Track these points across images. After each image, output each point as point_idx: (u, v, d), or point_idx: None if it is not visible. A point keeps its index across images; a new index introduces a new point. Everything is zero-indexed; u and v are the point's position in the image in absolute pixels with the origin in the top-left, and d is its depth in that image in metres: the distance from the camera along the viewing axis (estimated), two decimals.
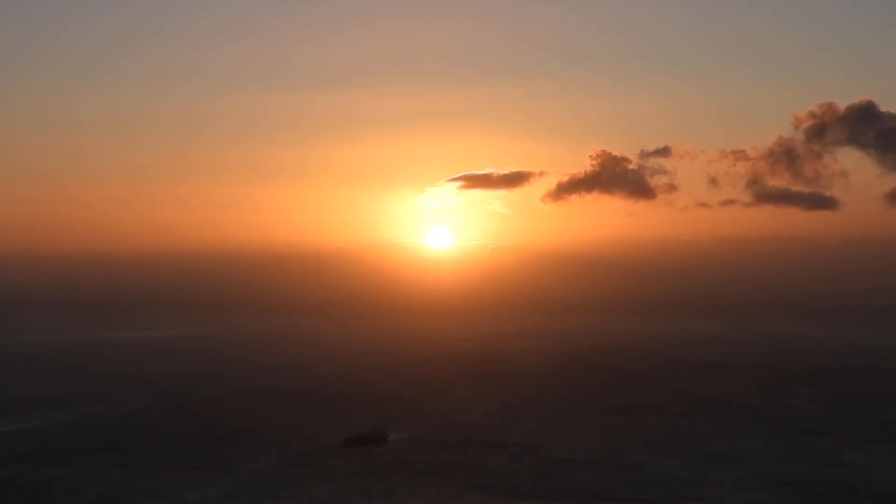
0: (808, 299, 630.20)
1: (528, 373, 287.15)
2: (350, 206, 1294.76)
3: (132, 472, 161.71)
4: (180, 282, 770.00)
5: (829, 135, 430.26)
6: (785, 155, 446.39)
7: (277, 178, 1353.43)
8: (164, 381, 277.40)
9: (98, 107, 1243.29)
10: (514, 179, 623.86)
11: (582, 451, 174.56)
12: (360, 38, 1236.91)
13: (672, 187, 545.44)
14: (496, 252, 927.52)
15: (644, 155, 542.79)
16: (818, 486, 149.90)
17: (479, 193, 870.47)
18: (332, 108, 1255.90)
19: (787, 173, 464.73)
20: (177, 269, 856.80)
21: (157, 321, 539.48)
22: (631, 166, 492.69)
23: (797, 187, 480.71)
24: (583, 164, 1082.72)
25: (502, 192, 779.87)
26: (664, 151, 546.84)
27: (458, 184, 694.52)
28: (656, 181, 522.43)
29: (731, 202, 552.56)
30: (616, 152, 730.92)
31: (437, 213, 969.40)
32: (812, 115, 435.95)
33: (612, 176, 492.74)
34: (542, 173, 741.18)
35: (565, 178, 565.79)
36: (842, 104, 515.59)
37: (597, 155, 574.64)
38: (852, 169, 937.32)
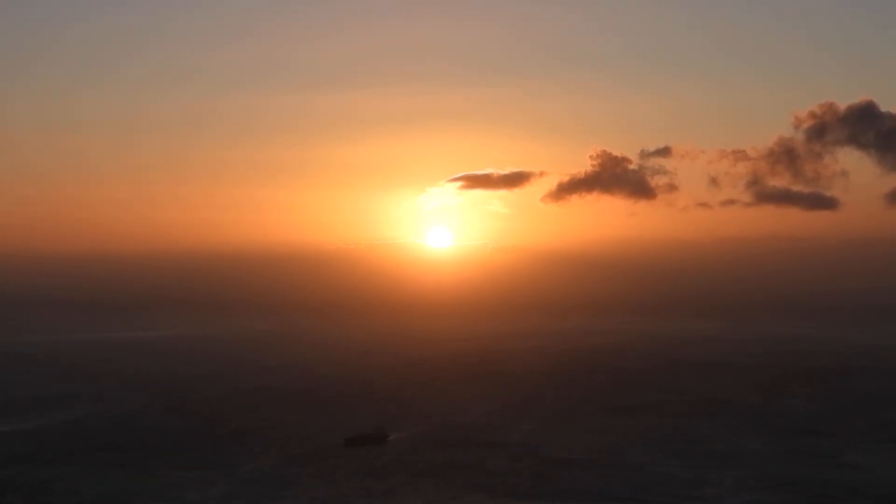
0: (808, 299, 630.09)
1: (528, 373, 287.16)
2: (350, 206, 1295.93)
3: (132, 472, 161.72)
4: (180, 282, 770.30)
5: (829, 135, 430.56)
6: (785, 155, 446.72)
7: (277, 178, 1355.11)
8: (164, 381, 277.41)
9: (98, 107, 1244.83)
10: (514, 179, 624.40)
11: (582, 451, 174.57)
12: (360, 38, 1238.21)
13: (672, 187, 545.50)
14: (496, 252, 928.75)
15: (644, 155, 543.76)
16: (818, 486, 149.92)
17: (479, 193, 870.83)
18: (332, 108, 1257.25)
19: (787, 173, 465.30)
20: (177, 269, 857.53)
21: (157, 321, 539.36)
22: (631, 166, 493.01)
23: (797, 187, 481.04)
24: (583, 164, 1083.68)
25: (502, 192, 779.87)
26: (664, 151, 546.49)
27: (459, 184, 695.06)
28: (656, 181, 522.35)
29: (731, 202, 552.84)
30: (616, 152, 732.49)
31: (437, 213, 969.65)
32: (812, 115, 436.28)
33: (612, 176, 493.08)
34: (542, 173, 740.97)
35: (565, 179, 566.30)
36: (842, 104, 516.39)
37: (597, 155, 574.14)
38: (852, 169, 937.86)
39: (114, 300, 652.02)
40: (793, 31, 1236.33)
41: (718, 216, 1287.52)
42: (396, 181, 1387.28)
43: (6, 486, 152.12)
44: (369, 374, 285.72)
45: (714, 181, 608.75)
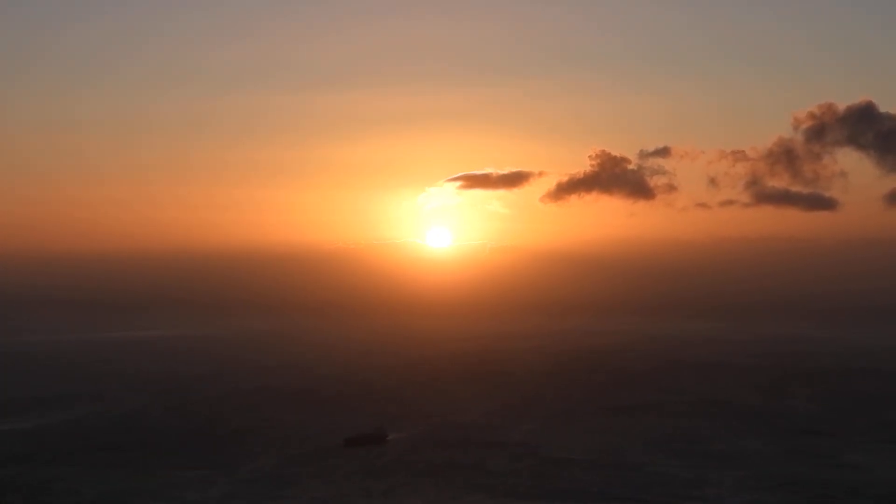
0: (808, 300, 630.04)
1: (528, 373, 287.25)
2: (350, 206, 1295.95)
3: (132, 472, 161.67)
4: (180, 282, 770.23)
5: (828, 135, 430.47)
6: (784, 155, 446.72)
7: (277, 178, 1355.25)
8: (164, 381, 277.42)
9: (98, 107, 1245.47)
10: (513, 179, 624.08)
11: (582, 451, 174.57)
12: (360, 38, 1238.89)
13: (672, 188, 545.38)
14: (496, 252, 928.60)
15: (644, 155, 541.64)
16: (818, 486, 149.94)
17: (478, 193, 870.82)
18: (332, 108, 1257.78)
19: (786, 174, 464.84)
20: (177, 269, 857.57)
21: (157, 321, 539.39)
22: (630, 166, 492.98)
23: (797, 188, 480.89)
24: (582, 165, 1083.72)
25: (502, 192, 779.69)
26: (664, 152, 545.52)
27: (458, 184, 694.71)
28: (656, 181, 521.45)
29: (730, 203, 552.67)
30: (616, 152, 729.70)
31: (436, 213, 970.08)
32: (812, 115, 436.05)
33: (611, 176, 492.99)
34: (541, 173, 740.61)
35: (565, 179, 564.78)
36: (841, 105, 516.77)
37: (596, 155, 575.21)
38: (852, 170, 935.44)
39: (114, 300, 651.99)
40: (792, 31, 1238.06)
41: (718, 216, 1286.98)
42: (396, 181, 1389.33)
43: (6, 486, 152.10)
44: (369, 374, 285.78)
45: (713, 181, 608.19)
